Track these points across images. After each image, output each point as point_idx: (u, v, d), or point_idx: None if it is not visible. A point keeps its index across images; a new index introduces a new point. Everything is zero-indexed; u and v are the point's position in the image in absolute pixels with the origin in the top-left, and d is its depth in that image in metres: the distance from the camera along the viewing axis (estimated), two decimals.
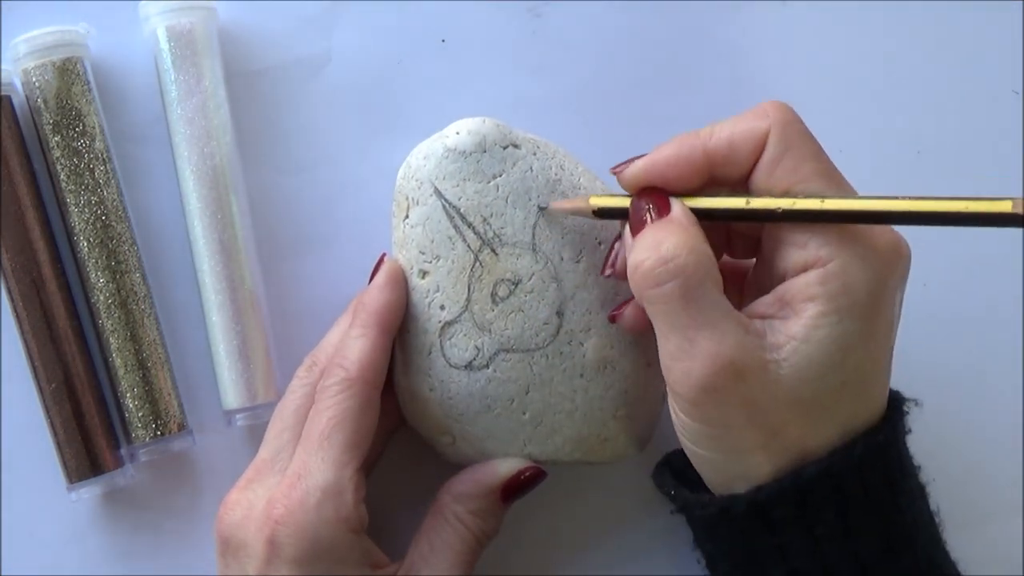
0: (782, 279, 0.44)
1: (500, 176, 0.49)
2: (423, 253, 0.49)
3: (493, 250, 0.49)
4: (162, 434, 0.53)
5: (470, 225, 0.49)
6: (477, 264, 0.49)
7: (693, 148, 0.44)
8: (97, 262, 0.53)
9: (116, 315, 0.53)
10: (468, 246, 0.49)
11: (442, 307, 0.49)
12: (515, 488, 0.50)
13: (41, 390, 0.53)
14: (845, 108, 0.58)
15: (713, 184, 0.45)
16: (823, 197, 0.42)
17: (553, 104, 0.57)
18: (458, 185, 0.49)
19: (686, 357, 0.42)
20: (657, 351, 0.44)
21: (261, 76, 0.56)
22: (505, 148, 0.50)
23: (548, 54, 0.57)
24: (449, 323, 0.49)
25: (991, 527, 0.58)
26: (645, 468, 0.53)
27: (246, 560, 0.47)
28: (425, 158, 0.50)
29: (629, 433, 0.51)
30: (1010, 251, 0.58)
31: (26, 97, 0.54)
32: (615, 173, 0.47)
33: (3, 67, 0.54)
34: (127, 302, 0.53)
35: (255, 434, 0.54)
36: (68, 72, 0.53)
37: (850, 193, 0.44)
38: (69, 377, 0.53)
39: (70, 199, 0.53)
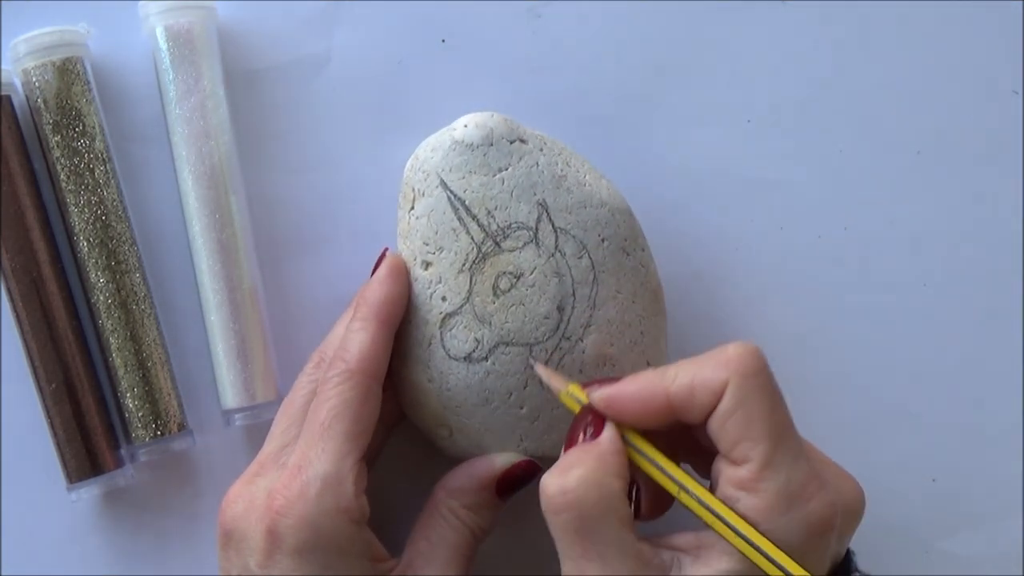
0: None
1: (506, 170, 0.49)
2: (427, 244, 0.49)
3: (496, 243, 0.49)
4: (162, 434, 0.53)
5: (474, 217, 0.49)
6: (480, 256, 0.49)
7: (656, 391, 0.44)
8: (97, 262, 0.53)
9: (116, 315, 0.53)
10: (471, 238, 0.49)
11: (443, 298, 0.49)
12: (510, 482, 0.50)
13: (41, 390, 0.53)
14: (845, 108, 0.58)
15: (675, 423, 0.44)
16: (742, 529, 0.41)
17: (553, 104, 0.57)
18: (464, 177, 0.49)
19: None
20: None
21: (260, 75, 0.56)
22: (512, 142, 0.50)
23: (548, 54, 0.57)
24: (450, 315, 0.49)
25: (991, 527, 0.58)
26: None
27: (247, 552, 0.46)
28: (432, 150, 0.50)
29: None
30: (1010, 250, 0.58)
31: (26, 97, 0.54)
32: (587, 391, 0.46)
33: (3, 67, 0.53)
34: (127, 302, 0.53)
35: (254, 434, 0.54)
36: (68, 72, 0.53)
37: (796, 459, 0.42)
38: (69, 377, 0.53)
39: (70, 199, 0.53)
